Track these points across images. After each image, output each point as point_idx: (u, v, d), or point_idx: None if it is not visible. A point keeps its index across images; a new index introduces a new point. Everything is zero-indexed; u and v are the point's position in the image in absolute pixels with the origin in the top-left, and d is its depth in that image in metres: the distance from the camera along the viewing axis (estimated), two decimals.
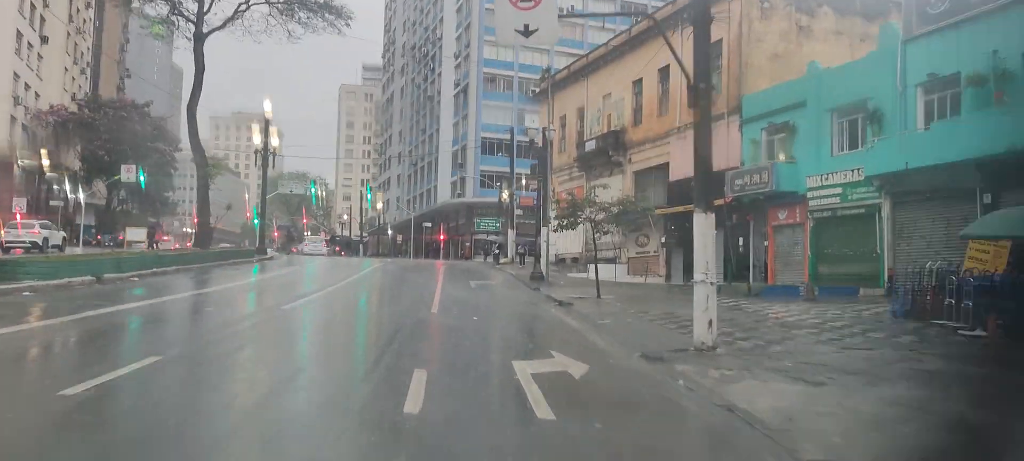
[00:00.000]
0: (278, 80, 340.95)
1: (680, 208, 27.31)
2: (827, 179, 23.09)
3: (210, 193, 37.55)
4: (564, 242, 42.90)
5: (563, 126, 44.90)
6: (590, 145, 38.54)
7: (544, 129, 29.74)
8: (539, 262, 27.41)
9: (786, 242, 25.30)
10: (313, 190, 58.34)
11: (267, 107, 38.24)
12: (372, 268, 31.98)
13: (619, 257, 36.51)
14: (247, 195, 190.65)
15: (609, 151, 36.67)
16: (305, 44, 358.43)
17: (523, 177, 56.85)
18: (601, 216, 21.98)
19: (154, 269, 21.08)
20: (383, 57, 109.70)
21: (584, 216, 21.48)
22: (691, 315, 10.23)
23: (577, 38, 62.57)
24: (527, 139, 63.48)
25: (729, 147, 27.84)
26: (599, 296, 18.87)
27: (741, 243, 27.00)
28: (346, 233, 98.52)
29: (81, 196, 54.54)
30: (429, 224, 63.93)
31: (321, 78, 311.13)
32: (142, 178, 49.60)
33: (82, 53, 69.64)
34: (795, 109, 24.69)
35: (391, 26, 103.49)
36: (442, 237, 61.24)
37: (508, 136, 65.93)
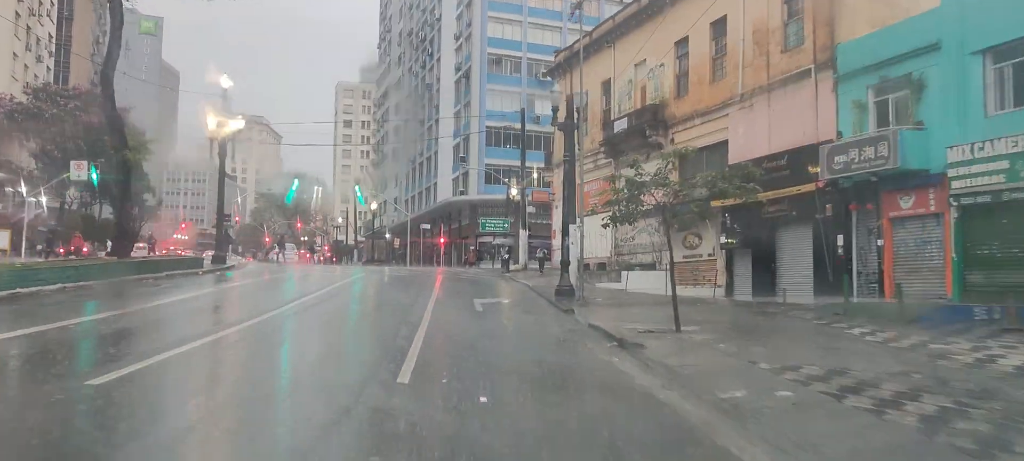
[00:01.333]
0: (275, 82, 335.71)
1: (773, 193, 20.50)
2: (981, 150, 16.34)
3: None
4: (588, 244, 36.29)
5: (581, 105, 38.21)
6: (620, 125, 31.90)
7: (572, 95, 22.93)
8: (567, 272, 20.71)
9: (912, 240, 18.57)
10: (292, 190, 51.54)
11: (225, 83, 31.83)
12: (347, 282, 25.49)
13: (658, 261, 29.88)
14: (240, 199, 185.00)
15: (645, 130, 30.02)
16: (304, 45, 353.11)
17: (535, 170, 50.17)
18: (681, 198, 14.68)
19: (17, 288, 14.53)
20: (379, 48, 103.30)
21: (661, 199, 13.90)
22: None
23: (591, 13, 55.88)
24: (538, 127, 57.03)
25: (819, 113, 21.23)
26: (679, 328, 12.13)
27: (840, 243, 20.25)
28: (341, 238, 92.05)
29: (42, 199, 48.59)
30: (428, 225, 57.27)
31: (321, 81, 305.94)
32: (95, 176, 43.31)
33: (38, 39, 63.36)
34: (923, 55, 18.07)
35: (387, 13, 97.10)
36: (442, 240, 54.59)
37: (517, 123, 59.39)
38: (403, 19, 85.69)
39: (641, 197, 13.30)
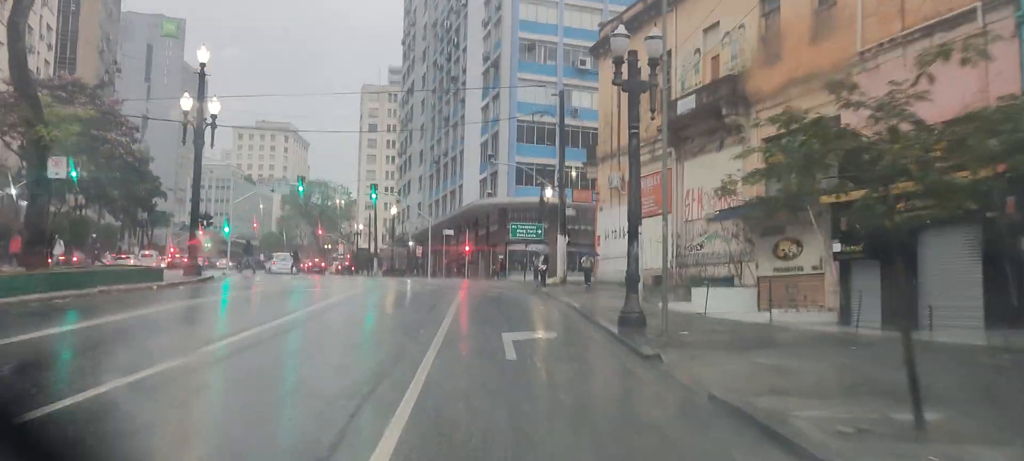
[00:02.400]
0: (305, 90, 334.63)
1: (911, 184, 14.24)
2: None
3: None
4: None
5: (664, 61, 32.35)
6: (685, 105, 25.90)
7: (650, 37, 16.82)
8: (635, 292, 14.71)
9: None
10: (300, 188, 46.26)
11: (202, 56, 26.52)
12: (331, 303, 19.88)
13: (738, 275, 23.87)
14: (262, 206, 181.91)
15: (719, 108, 24.03)
16: (335, 52, 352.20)
17: (573, 169, 44.23)
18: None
19: None
20: (403, 43, 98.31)
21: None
22: None
23: None
24: (576, 122, 51.26)
25: (989, 67, 15.00)
26: (920, 418, 5.97)
27: None
28: (365, 246, 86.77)
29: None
30: (450, 232, 51.63)
31: (351, 87, 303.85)
32: (74, 173, 38.48)
33: (31, 28, 59.20)
34: None
35: (411, 6, 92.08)
36: (467, 248, 48.91)
37: (551, 116, 53.60)
38: (428, 10, 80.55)
39: (825, 160, 7.07)
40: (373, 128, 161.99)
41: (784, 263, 21.62)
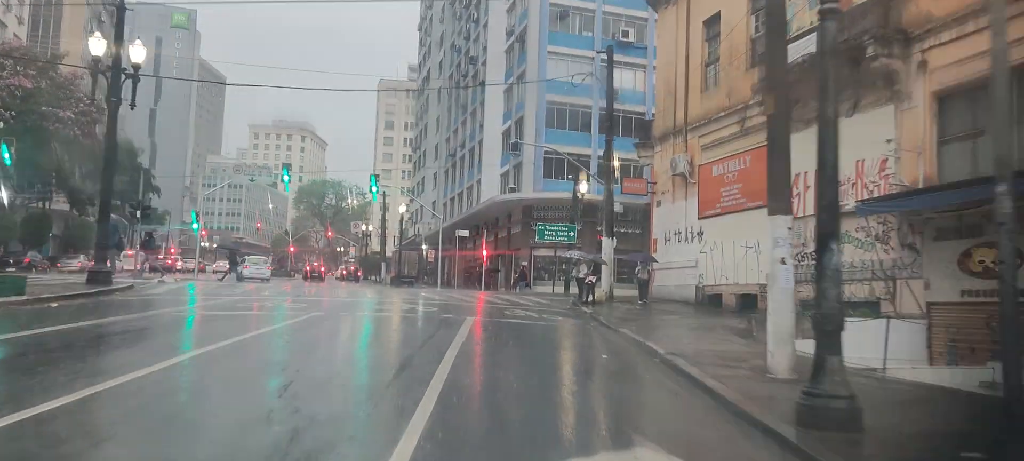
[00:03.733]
0: (323, 91, 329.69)
1: None
2: None
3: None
4: (715, 262, 22.68)
5: (709, 38, 24.67)
6: (802, 47, 17.94)
7: None
8: (830, 350, 6.81)
9: None
10: (285, 177, 38.86)
11: None
12: (278, 327, 12.50)
13: (890, 298, 16.05)
14: (272, 206, 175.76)
15: (863, 47, 16.12)
16: (350, 47, 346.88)
17: (617, 159, 36.34)
18: None
19: None
20: (419, 29, 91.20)
21: None
22: None
23: None
24: (618, 105, 43.58)
25: None
26: None
27: None
28: (378, 250, 79.38)
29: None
30: (466, 233, 44.00)
31: (370, 85, 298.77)
32: (6, 155, 31.65)
33: None
34: None
35: None
36: (485, 253, 41.26)
37: (586, 97, 46.01)
38: None
39: None
40: (390, 126, 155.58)
41: (983, 283, 13.68)
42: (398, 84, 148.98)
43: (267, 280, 54.71)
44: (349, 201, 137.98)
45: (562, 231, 39.71)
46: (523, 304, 24.67)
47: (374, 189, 41.24)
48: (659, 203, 27.01)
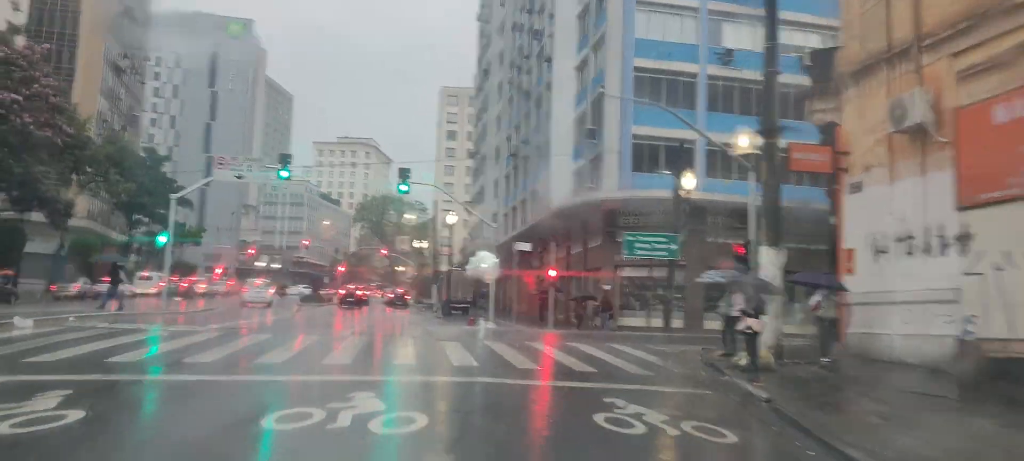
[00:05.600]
0: (384, 104, 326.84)
1: None
2: None
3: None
4: (989, 292, 11.07)
5: None
6: None
7: None
8: None
9: None
10: (283, 173, 28.79)
11: None
12: None
13: None
14: (327, 222, 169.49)
15: None
16: (420, 67, 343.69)
17: (738, 138, 24.90)
18: None
19: None
20: (478, 19, 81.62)
21: None
22: None
23: None
24: (730, 72, 32.84)
25: None
26: None
27: None
28: (445, 268, 69.52)
29: None
30: (526, 246, 33.23)
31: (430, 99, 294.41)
32: None
33: None
34: None
35: None
36: (552, 273, 30.30)
37: (690, 61, 35.10)
38: None
39: None
40: (452, 136, 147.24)
41: None
42: (460, 90, 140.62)
43: (269, 305, 45.66)
44: (407, 217, 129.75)
45: (660, 243, 28.63)
46: (619, 366, 13.79)
47: (403, 188, 31.04)
48: (857, 187, 15.67)
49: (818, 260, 20.04)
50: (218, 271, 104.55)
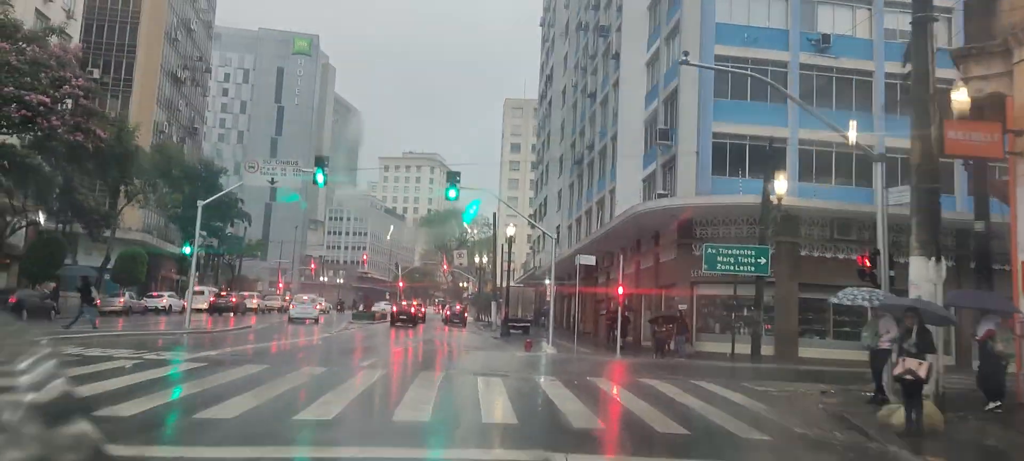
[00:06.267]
0: (448, 117, 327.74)
1: None
2: None
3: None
4: None
5: None
6: None
7: None
8: None
9: None
10: (319, 178, 25.90)
11: None
12: None
13: None
14: (389, 237, 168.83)
15: None
16: (485, 80, 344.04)
17: (853, 132, 20.76)
18: None
19: None
20: (541, 24, 78.59)
21: None
22: None
23: None
24: (828, 61, 28.71)
25: None
26: None
27: None
28: (505, 284, 66.56)
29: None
30: (589, 259, 29.46)
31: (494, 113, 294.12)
32: None
33: None
34: None
35: None
36: (620, 291, 26.47)
37: (779, 48, 31.13)
38: None
39: None
40: (516, 149, 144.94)
41: None
42: (524, 102, 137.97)
43: (316, 321, 43.63)
44: (469, 230, 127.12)
45: (747, 256, 24.53)
46: (718, 423, 10.02)
47: (451, 194, 27.84)
48: None
49: (964, 281, 15.82)
50: (281, 286, 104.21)
